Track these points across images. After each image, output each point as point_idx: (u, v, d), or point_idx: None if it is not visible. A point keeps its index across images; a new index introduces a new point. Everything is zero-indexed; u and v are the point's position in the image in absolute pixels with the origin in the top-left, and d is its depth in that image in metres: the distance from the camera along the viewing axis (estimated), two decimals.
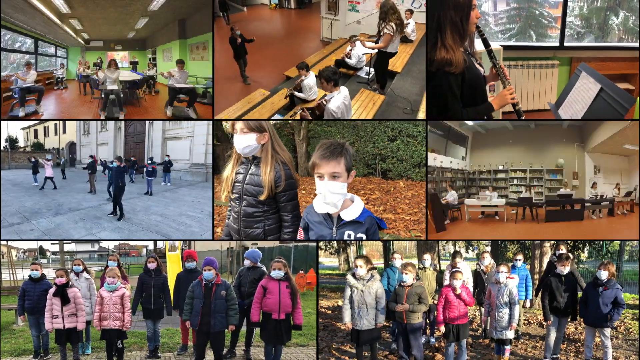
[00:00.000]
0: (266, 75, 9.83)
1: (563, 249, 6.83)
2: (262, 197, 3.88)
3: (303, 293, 10.22)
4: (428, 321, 6.83)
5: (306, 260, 12.69)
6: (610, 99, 5.57)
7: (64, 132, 17.35)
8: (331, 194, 3.32)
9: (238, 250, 11.74)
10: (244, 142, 3.94)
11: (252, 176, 3.98)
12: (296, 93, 8.23)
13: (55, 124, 17.14)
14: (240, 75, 9.62)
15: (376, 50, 8.66)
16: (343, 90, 6.82)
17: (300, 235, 3.72)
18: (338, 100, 6.74)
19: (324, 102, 6.97)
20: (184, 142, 13.66)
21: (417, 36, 9.87)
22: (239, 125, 3.94)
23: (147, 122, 14.06)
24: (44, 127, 17.51)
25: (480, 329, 7.29)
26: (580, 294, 6.54)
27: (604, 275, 5.74)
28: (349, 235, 3.43)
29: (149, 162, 12.25)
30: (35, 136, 17.58)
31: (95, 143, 15.78)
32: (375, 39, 8.54)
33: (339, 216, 3.40)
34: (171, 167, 12.64)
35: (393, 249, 10.87)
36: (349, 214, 3.38)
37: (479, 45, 4.71)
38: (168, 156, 12.90)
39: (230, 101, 8.46)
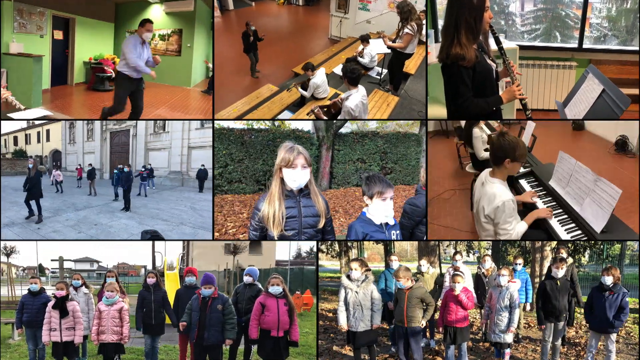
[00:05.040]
0: (274, 70, 9.93)
1: (563, 253, 6.81)
2: (320, 226, 4.04)
3: (300, 313, 10.23)
4: (427, 324, 6.80)
5: (302, 282, 13.03)
6: (610, 99, 5.68)
7: (48, 140, 17.63)
8: (389, 210, 4.17)
9: (235, 271, 12.25)
10: (305, 177, 3.97)
11: (306, 208, 4.01)
12: (300, 90, 8.17)
13: (38, 132, 17.46)
14: (250, 69, 9.69)
15: (390, 51, 8.57)
16: (361, 89, 6.70)
17: None
18: (356, 98, 6.62)
19: (340, 100, 6.85)
20: (163, 153, 15.79)
21: None
22: (301, 161, 3.92)
23: (131, 134, 16.20)
24: (25, 135, 17.69)
25: (481, 332, 7.26)
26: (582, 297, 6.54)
27: (608, 280, 5.68)
28: (396, 235, 4.33)
29: (142, 169, 13.96)
30: (16, 143, 17.65)
31: (81, 152, 16.75)
32: (393, 38, 8.46)
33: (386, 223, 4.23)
34: (153, 173, 14.75)
35: (394, 250, 10.85)
36: (392, 220, 4.25)
37: (494, 43, 5.10)
38: (150, 164, 15.03)
39: (237, 95, 8.45)
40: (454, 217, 7.48)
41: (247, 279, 6.18)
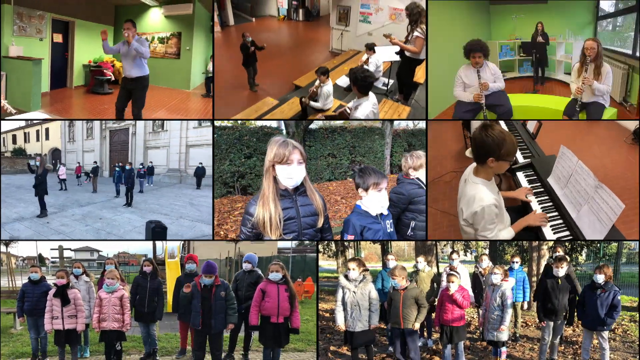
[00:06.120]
0: (274, 84, 9.84)
1: (560, 252, 6.83)
2: (319, 225, 3.82)
3: (301, 301, 10.33)
4: (425, 323, 6.82)
5: (304, 269, 12.96)
6: None
7: (47, 138, 17.72)
8: (385, 200, 4.15)
9: (236, 259, 12.28)
10: (302, 173, 3.72)
11: (305, 207, 3.75)
12: (312, 103, 7.86)
13: (37, 130, 17.52)
14: (248, 82, 9.52)
15: (398, 57, 8.24)
16: (372, 97, 6.31)
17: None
18: (367, 108, 6.26)
19: (347, 110, 6.58)
20: (161, 151, 16.05)
21: None
22: (297, 156, 3.65)
23: (131, 132, 16.40)
24: (24, 133, 17.75)
25: (479, 331, 7.28)
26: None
27: (600, 278, 5.71)
28: (390, 224, 4.30)
29: (140, 166, 14.39)
30: (14, 141, 17.68)
31: (81, 150, 17.06)
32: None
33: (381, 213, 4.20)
34: (153, 171, 15.18)
35: (390, 250, 10.87)
36: (386, 210, 4.24)
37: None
38: (151, 162, 15.41)
39: (236, 109, 8.38)
40: (453, 203, 7.27)
41: (246, 265, 6.25)
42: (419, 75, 8.59)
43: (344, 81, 9.26)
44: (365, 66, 8.89)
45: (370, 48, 8.99)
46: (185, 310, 5.78)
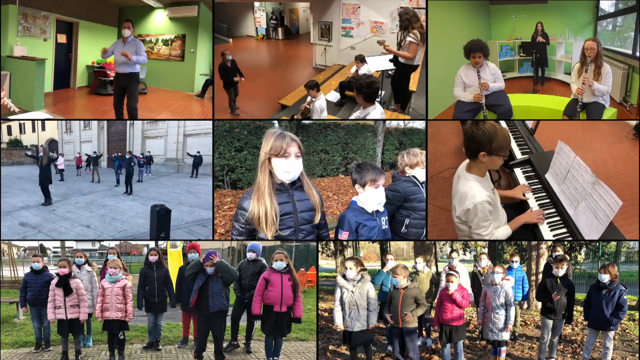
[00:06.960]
0: (258, 105, 9.61)
1: (560, 251, 6.82)
2: (316, 221, 3.69)
3: (304, 290, 10.37)
4: (424, 323, 6.82)
5: (307, 259, 13.00)
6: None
7: (43, 129, 17.76)
8: (382, 197, 4.14)
9: (239, 248, 12.23)
10: (299, 167, 3.59)
11: (301, 202, 3.62)
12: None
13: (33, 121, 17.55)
14: (229, 105, 9.17)
15: (392, 66, 8.15)
16: (378, 107, 6.09)
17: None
18: (375, 117, 6.19)
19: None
20: (159, 141, 16.32)
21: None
22: (294, 149, 3.54)
23: (128, 122, 16.51)
24: (19, 124, 17.77)
25: (478, 330, 7.27)
26: (579, 295, 6.55)
27: (605, 278, 5.70)
28: (385, 222, 4.27)
29: (141, 156, 14.77)
30: (10, 132, 17.66)
31: (78, 141, 17.26)
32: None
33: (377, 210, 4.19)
34: (151, 161, 15.59)
35: (389, 249, 10.88)
36: (382, 207, 4.22)
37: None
38: (149, 152, 15.83)
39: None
40: (451, 199, 7.24)
41: (250, 255, 6.23)
42: (410, 83, 8.42)
43: (333, 96, 9.18)
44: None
45: (361, 60, 8.81)
46: (189, 296, 5.78)
